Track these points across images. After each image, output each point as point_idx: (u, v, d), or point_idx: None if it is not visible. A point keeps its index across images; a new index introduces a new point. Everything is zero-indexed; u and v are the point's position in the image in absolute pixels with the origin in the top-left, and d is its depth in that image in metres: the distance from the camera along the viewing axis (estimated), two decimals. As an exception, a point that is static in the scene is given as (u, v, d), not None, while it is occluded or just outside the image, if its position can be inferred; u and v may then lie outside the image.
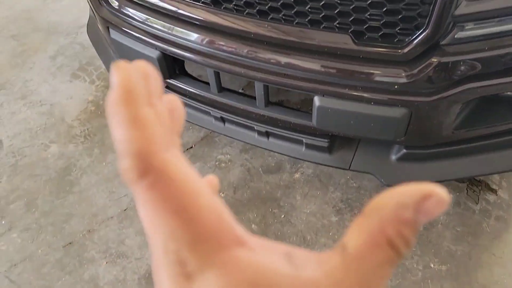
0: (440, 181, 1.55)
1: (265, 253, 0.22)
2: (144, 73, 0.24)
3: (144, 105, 0.21)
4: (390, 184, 1.44)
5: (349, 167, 1.45)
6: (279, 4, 1.15)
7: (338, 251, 0.22)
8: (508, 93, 1.26)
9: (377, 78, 1.17)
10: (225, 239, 0.21)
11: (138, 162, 0.20)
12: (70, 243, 1.62)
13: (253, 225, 1.62)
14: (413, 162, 1.42)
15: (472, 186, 1.68)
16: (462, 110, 1.27)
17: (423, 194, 0.21)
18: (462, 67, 1.10)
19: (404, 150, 1.39)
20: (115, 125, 0.21)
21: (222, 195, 1.72)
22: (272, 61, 1.25)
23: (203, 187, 0.22)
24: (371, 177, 1.72)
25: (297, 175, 1.78)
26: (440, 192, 0.21)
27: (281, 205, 1.68)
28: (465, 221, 1.58)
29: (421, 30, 1.06)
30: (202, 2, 1.28)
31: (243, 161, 1.85)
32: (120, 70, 0.21)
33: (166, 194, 0.21)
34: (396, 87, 1.17)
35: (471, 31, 1.07)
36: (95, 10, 1.59)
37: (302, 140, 1.47)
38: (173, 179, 0.21)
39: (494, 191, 1.66)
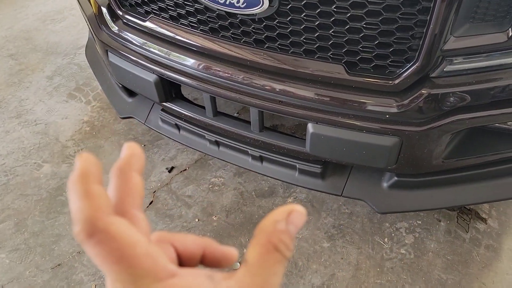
0: (431, 209, 1.57)
1: (193, 278, 0.30)
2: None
3: (94, 183, 0.28)
4: (382, 211, 1.45)
5: (341, 194, 1.47)
6: (275, 34, 1.19)
7: (243, 264, 0.30)
8: (497, 124, 1.30)
9: (369, 108, 1.20)
10: (159, 274, 0.28)
11: (86, 226, 0.27)
12: (59, 265, 1.60)
13: (244, 250, 1.62)
14: (405, 190, 1.44)
15: (462, 214, 1.70)
16: (452, 140, 1.30)
17: (289, 211, 0.32)
18: (451, 99, 1.14)
19: (396, 178, 1.41)
20: (72, 198, 0.28)
21: (215, 218, 1.72)
22: (267, 88, 1.28)
23: (140, 239, 0.29)
24: (363, 203, 1.74)
25: (290, 200, 1.79)
26: (299, 209, 0.33)
27: (273, 230, 1.68)
28: (456, 250, 1.59)
29: (411, 63, 1.10)
30: (200, 30, 1.31)
31: (236, 184, 1.86)
32: (82, 158, 0.29)
33: (109, 249, 0.27)
34: (387, 116, 1.20)
35: (459, 65, 1.11)
36: (95, 34, 1.62)
37: (296, 166, 1.49)
38: (114, 237, 0.27)
39: (484, 220, 1.68)
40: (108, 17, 1.53)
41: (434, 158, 1.29)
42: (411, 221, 1.69)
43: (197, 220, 1.72)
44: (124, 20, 1.48)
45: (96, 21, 1.60)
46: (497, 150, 1.33)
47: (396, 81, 1.13)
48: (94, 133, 2.15)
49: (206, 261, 0.36)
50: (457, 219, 1.69)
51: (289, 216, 0.32)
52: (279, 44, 1.22)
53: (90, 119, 2.24)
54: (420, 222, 1.68)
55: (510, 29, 1.02)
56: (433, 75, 1.13)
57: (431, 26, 1.00)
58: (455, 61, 1.11)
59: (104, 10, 1.54)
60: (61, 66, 2.64)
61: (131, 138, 2.11)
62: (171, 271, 0.29)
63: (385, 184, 1.45)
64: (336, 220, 1.71)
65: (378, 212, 1.45)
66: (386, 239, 1.63)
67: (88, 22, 1.67)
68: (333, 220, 1.71)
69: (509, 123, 1.33)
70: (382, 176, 1.46)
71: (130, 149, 0.34)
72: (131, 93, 1.81)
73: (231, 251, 0.37)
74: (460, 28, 1.03)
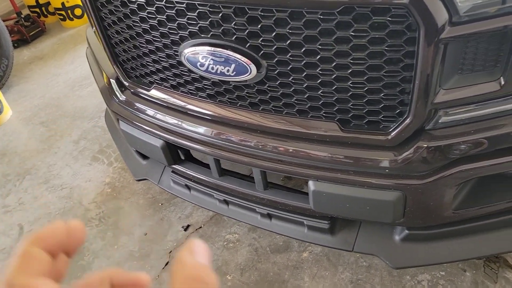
0: (448, 262, 1.48)
1: None
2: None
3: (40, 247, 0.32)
4: (396, 266, 1.39)
5: (353, 249, 1.42)
6: (267, 97, 1.22)
7: None
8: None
9: (367, 163, 1.18)
10: None
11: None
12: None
13: (260, 311, 1.58)
14: (418, 243, 1.38)
15: (490, 263, 1.59)
16: (461, 190, 1.25)
17: (189, 248, 0.34)
18: (450, 150, 1.11)
19: (407, 231, 1.36)
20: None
21: (229, 277, 1.70)
22: (265, 148, 1.29)
23: None
24: (381, 256, 1.67)
25: (305, 254, 1.75)
26: (196, 241, 0.35)
27: (289, 287, 1.63)
28: (484, 303, 1.48)
29: (403, 117, 1.09)
30: (199, 96, 1.36)
31: (251, 240, 1.84)
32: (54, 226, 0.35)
33: None
34: (386, 171, 1.17)
35: (455, 115, 1.09)
36: (106, 103, 1.72)
37: (304, 222, 1.46)
38: None
39: (514, 269, 1.57)
40: (117, 88, 1.62)
41: (443, 210, 1.24)
42: (433, 272, 1.60)
43: (212, 280, 1.70)
44: (131, 90, 1.56)
45: (108, 92, 1.70)
46: (510, 197, 1.26)
47: (391, 136, 1.12)
48: (114, 194, 2.22)
49: None
50: (484, 268, 1.58)
51: (192, 251, 0.34)
52: (273, 106, 1.24)
53: (112, 180, 2.32)
54: (443, 273, 1.59)
55: (502, 77, 1.00)
56: (428, 127, 1.11)
57: (416, 82, 1.00)
58: (450, 112, 1.09)
59: (113, 81, 1.63)
60: (87, 130, 2.78)
61: (149, 198, 2.16)
62: None
63: (397, 238, 1.39)
64: (353, 275, 1.64)
65: (392, 268, 1.39)
66: (407, 294, 1.55)
67: (101, 93, 1.77)
68: (351, 274, 1.64)
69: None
70: (393, 229, 1.41)
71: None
72: (144, 156, 1.87)
73: (142, 276, 0.37)
74: (449, 81, 1.02)
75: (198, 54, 1.20)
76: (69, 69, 3.64)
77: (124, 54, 1.48)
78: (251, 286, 1.66)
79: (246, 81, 1.19)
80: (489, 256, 1.58)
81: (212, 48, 1.16)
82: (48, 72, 3.66)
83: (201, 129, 1.40)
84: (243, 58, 1.12)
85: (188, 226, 1.96)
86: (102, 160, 2.49)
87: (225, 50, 1.14)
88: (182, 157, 1.69)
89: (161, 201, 2.12)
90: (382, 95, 1.07)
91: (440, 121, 1.10)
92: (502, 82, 1.00)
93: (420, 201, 1.21)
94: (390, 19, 0.94)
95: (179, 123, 1.44)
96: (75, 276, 1.82)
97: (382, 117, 1.12)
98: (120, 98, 1.61)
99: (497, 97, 1.04)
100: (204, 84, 1.31)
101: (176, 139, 1.47)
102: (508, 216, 1.33)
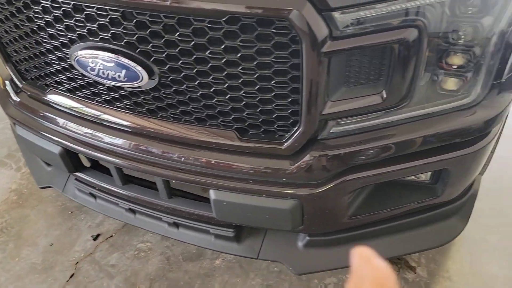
0: (348, 267, 1.53)
1: None
2: None
3: None
4: (298, 272, 1.41)
5: (258, 257, 1.42)
6: (164, 104, 1.18)
7: None
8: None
9: (265, 172, 1.18)
10: None
11: None
12: None
13: (167, 322, 1.54)
14: (320, 249, 1.41)
15: (392, 264, 1.67)
16: (356, 198, 1.29)
17: None
18: (342, 160, 1.13)
19: (308, 238, 1.38)
20: None
21: (138, 289, 1.64)
22: (166, 156, 1.26)
23: None
24: (292, 260, 1.69)
25: (218, 262, 1.73)
26: None
27: (199, 296, 1.61)
28: (384, 304, 1.54)
29: (296, 127, 1.10)
30: (96, 101, 1.30)
31: (164, 249, 1.79)
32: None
33: None
34: (283, 180, 1.18)
35: (345, 126, 1.12)
36: (2, 106, 1.59)
37: (209, 230, 1.44)
38: None
39: (413, 269, 1.65)
40: (11, 90, 1.50)
41: (340, 217, 1.27)
42: (340, 275, 1.65)
43: (118, 292, 1.64)
44: (27, 93, 1.46)
45: (3, 94, 1.57)
46: (404, 202, 1.32)
47: (285, 145, 1.12)
48: (21, 202, 2.07)
49: None
50: (387, 270, 1.65)
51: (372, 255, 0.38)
52: (170, 114, 1.21)
53: (19, 187, 2.16)
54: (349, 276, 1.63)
55: (384, 90, 1.04)
56: (320, 137, 1.13)
57: (304, 93, 1.01)
58: (341, 123, 1.12)
59: (7, 83, 1.51)
60: (-5, 132, 2.58)
61: (59, 205, 2.03)
62: None
63: (300, 244, 1.42)
64: (264, 281, 1.65)
65: (295, 274, 1.40)
66: (314, 298, 1.58)
67: (-4, 95, 1.64)
68: (261, 280, 1.65)
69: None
70: (297, 236, 1.43)
71: None
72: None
73: None
74: (336, 93, 1.04)
75: (88, 58, 1.13)
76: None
77: (16, 54, 1.38)
78: (160, 297, 1.61)
79: (140, 87, 1.14)
80: (387, 259, 1.65)
81: (102, 53, 1.10)
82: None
83: (100, 136, 1.33)
84: (133, 64, 1.08)
85: (98, 235, 1.87)
86: (10, 165, 2.31)
87: (115, 55, 1.09)
88: (88, 164, 1.61)
89: (71, 209, 2.01)
90: (274, 105, 1.08)
91: (331, 131, 1.12)
92: (385, 96, 1.04)
93: (317, 209, 1.23)
94: (274, 31, 0.94)
95: (77, 128, 1.36)
96: (-33, 293, 1.67)
97: (277, 126, 1.13)
98: (15, 101, 1.50)
99: (382, 109, 1.08)
100: (100, 89, 1.25)
101: (74, 145, 1.39)
102: (404, 220, 1.39)
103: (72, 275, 1.71)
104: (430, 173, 1.32)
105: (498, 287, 1.57)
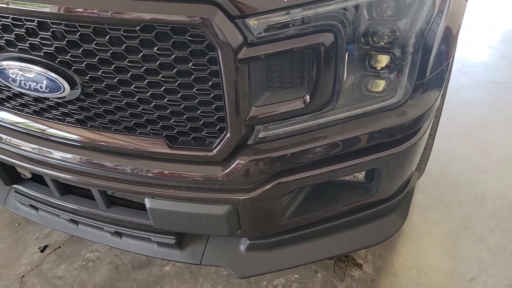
0: (290, 268, 1.55)
1: None
2: None
3: None
4: (241, 276, 1.41)
5: (200, 263, 1.42)
6: (91, 114, 1.16)
7: None
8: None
9: (197, 179, 1.18)
10: None
11: None
12: None
13: (113, 332, 1.51)
14: (261, 251, 1.41)
15: (339, 262, 1.69)
16: (291, 200, 1.30)
17: None
18: (271, 164, 1.14)
19: (248, 241, 1.39)
20: None
21: (84, 300, 1.61)
22: (99, 166, 1.24)
23: None
24: (241, 263, 1.69)
25: (167, 268, 1.72)
26: None
27: (147, 305, 1.59)
28: (330, 302, 1.56)
29: (223, 133, 1.10)
30: (25, 112, 1.26)
31: (112, 257, 1.76)
32: None
33: None
34: (216, 186, 1.18)
35: (272, 131, 1.12)
36: None
37: (151, 238, 1.43)
38: None
39: (359, 266, 1.68)
40: None
41: (276, 220, 1.28)
42: (288, 276, 1.66)
43: (65, 304, 1.60)
44: (-44, 105, 1.40)
45: None
46: (340, 202, 1.34)
47: (214, 152, 1.12)
48: (-35, 216, 2.00)
49: None
50: (334, 268, 1.68)
51: None
52: (99, 123, 1.19)
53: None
54: (297, 276, 1.65)
55: (307, 95, 1.05)
56: (250, 142, 1.13)
57: (226, 99, 1.01)
58: (269, 127, 1.12)
59: None
60: None
61: (6, 218, 1.98)
62: None
63: (242, 248, 1.42)
64: (213, 285, 1.65)
65: (238, 278, 1.41)
66: (262, 300, 1.59)
67: None
68: (211, 285, 1.65)
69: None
70: (239, 240, 1.43)
71: None
72: (-12, 174, 1.70)
73: None
74: (259, 98, 1.05)
75: (8, 69, 1.10)
76: None
77: None
78: (107, 307, 1.59)
79: (64, 97, 1.12)
80: (328, 259, 1.67)
81: (21, 63, 1.07)
82: None
83: (32, 147, 1.29)
84: (53, 74, 1.05)
85: (45, 246, 1.83)
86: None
87: (34, 66, 1.06)
88: (29, 176, 1.57)
89: (19, 221, 1.95)
90: (200, 112, 1.07)
91: (260, 135, 1.12)
92: (308, 100, 1.05)
93: (252, 213, 1.23)
94: (190, 38, 0.93)
95: (9, 140, 1.32)
96: None
97: (206, 133, 1.12)
98: None
99: (307, 113, 1.09)
100: (27, 100, 1.22)
101: (7, 158, 1.35)
102: (344, 219, 1.42)
103: (16, 290, 1.67)
104: (364, 172, 1.35)
105: (440, 280, 1.62)
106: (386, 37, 1.06)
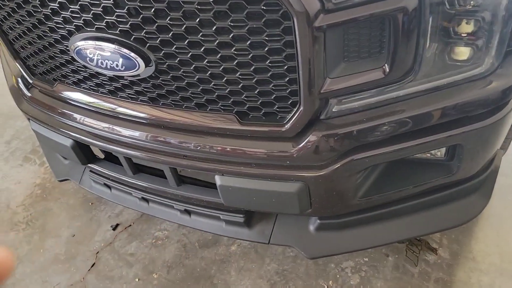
0: (362, 249, 1.49)
1: None
2: None
3: None
4: (311, 256, 1.39)
5: (269, 242, 1.41)
6: (164, 91, 1.17)
7: None
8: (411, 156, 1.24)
9: (268, 155, 1.16)
10: None
11: None
12: None
13: (184, 308, 1.55)
14: (332, 232, 1.37)
15: (412, 246, 1.62)
16: (365, 178, 1.25)
17: None
18: (344, 140, 1.09)
19: (318, 221, 1.35)
20: None
21: (155, 276, 1.67)
22: (170, 143, 1.25)
23: None
24: (308, 245, 1.66)
25: (233, 248, 1.73)
26: None
27: (215, 283, 1.61)
28: (404, 287, 1.50)
29: (296, 108, 1.06)
30: (100, 92, 1.30)
31: (180, 236, 1.81)
32: None
33: None
34: (287, 162, 1.15)
35: (347, 104, 1.07)
36: (16, 103, 1.63)
37: (220, 217, 1.44)
38: None
39: (434, 251, 1.59)
40: (23, 86, 1.53)
41: (349, 198, 1.24)
42: (357, 258, 1.61)
43: (137, 279, 1.66)
44: (37, 88, 1.48)
45: (16, 91, 1.61)
46: (418, 181, 1.27)
47: (286, 127, 1.09)
48: (44, 195, 2.13)
49: None
50: (406, 252, 1.60)
51: None
52: (171, 101, 1.20)
53: (42, 181, 2.23)
54: (367, 259, 1.60)
55: (386, 64, 0.99)
56: (323, 117, 1.09)
57: (300, 71, 0.97)
58: (343, 101, 1.08)
59: (19, 79, 1.55)
60: (20, 129, 2.66)
61: (80, 198, 2.09)
62: None
63: (311, 228, 1.39)
64: (280, 266, 1.64)
65: (307, 258, 1.38)
66: (330, 282, 1.55)
67: (10, 92, 1.68)
68: (277, 265, 1.64)
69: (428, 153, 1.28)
70: (309, 219, 1.40)
71: None
72: (66, 155, 1.80)
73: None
74: (335, 69, 1.00)
75: (86, 49, 1.14)
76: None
77: (23, 50, 1.40)
78: (177, 284, 1.63)
79: (138, 75, 1.14)
80: (402, 241, 1.60)
81: (98, 42, 1.10)
82: (-16, 69, 3.48)
83: (106, 126, 1.34)
84: (129, 52, 1.07)
85: (117, 225, 1.91)
86: (34, 160, 2.39)
87: (111, 44, 1.08)
88: (102, 156, 1.63)
89: (92, 201, 2.05)
90: (272, 86, 1.05)
91: (333, 109, 1.08)
92: (387, 70, 0.99)
93: (324, 191, 1.20)
94: (264, 8, 0.90)
95: (85, 120, 1.38)
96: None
97: (277, 108, 1.10)
98: (27, 97, 1.53)
99: (385, 84, 1.03)
100: (102, 80, 1.25)
101: (84, 137, 1.41)
102: (417, 201, 1.34)
103: (93, 265, 1.75)
104: (444, 149, 1.26)
105: (526, 267, 1.50)
106: (474, -1, 0.97)
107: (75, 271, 1.73)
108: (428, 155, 1.30)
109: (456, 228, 1.64)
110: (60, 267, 1.76)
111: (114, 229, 1.88)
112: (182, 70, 1.09)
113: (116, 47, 1.08)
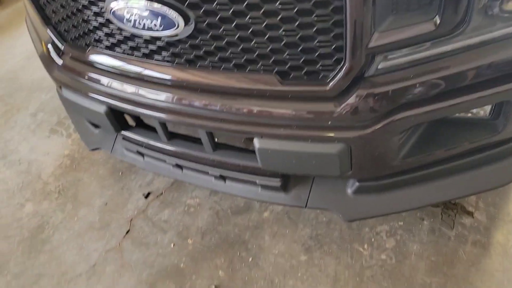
0: (400, 211, 1.48)
1: None
2: None
3: None
4: (349, 219, 1.38)
5: (306, 205, 1.40)
6: (202, 52, 1.15)
7: None
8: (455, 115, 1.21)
9: (309, 116, 1.14)
10: None
11: None
12: (39, 305, 1.60)
13: (220, 272, 1.57)
14: (370, 194, 1.36)
15: (447, 210, 1.60)
16: (407, 138, 1.22)
17: None
18: (391, 97, 1.06)
19: (357, 183, 1.34)
20: None
21: (190, 242, 1.69)
22: (207, 107, 1.24)
23: None
24: (341, 210, 1.66)
25: (266, 214, 1.74)
26: None
27: (249, 247, 1.63)
28: (440, 250, 1.49)
29: (341, 65, 1.03)
30: (135, 56, 1.29)
31: (212, 203, 1.82)
32: None
33: None
34: (329, 123, 1.13)
35: (393, 60, 1.04)
36: (47, 71, 1.62)
37: (256, 181, 1.43)
38: None
39: (470, 214, 1.58)
40: (54, 53, 1.52)
41: (391, 159, 1.22)
42: (392, 223, 1.60)
43: (172, 245, 1.69)
44: (68, 54, 1.47)
45: (46, 58, 1.60)
46: (461, 141, 1.24)
47: (330, 86, 1.07)
48: (74, 166, 2.16)
49: None
50: (442, 215, 1.59)
51: None
52: (209, 62, 1.18)
53: (71, 152, 2.25)
54: (401, 223, 1.59)
55: (437, 16, 0.95)
56: (368, 74, 1.06)
57: (348, 25, 0.94)
58: (389, 57, 1.04)
59: (49, 46, 1.53)
60: (44, 102, 2.68)
61: (109, 167, 2.10)
62: None
63: (349, 191, 1.38)
64: (313, 231, 1.64)
65: (345, 221, 1.38)
66: (365, 245, 1.55)
67: (41, 60, 1.67)
68: (310, 230, 1.64)
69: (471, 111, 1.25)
70: (346, 182, 1.39)
71: None
72: (96, 124, 1.80)
73: None
74: (383, 22, 0.96)
75: (123, 9, 1.11)
76: (25, 40, 3.46)
77: (54, 15, 1.38)
78: (212, 249, 1.65)
79: (176, 35, 1.11)
80: (441, 203, 1.58)
81: (137, 1, 1.07)
82: (3, 44, 3.48)
83: (142, 91, 1.32)
84: (168, 10, 1.05)
85: (148, 193, 1.92)
86: (61, 132, 2.41)
87: (149, 2, 1.06)
88: (134, 123, 1.63)
89: (122, 170, 2.07)
90: (316, 42, 1.01)
91: (379, 67, 1.05)
92: (438, 22, 0.95)
93: (366, 152, 1.18)
94: (312, -44, 0.87)
95: (120, 86, 1.37)
96: (35, 249, 1.79)
97: (320, 66, 1.07)
98: (58, 64, 1.52)
99: (435, 38, 0.99)
100: (137, 42, 1.23)
101: (118, 103, 1.40)
102: (458, 162, 1.31)
103: (127, 231, 1.78)
104: (489, 108, 1.22)
105: None
106: None
107: (111, 238, 1.76)
108: (471, 114, 1.27)
109: (492, 191, 1.61)
110: (95, 234, 1.79)
111: (146, 197, 1.90)
112: (222, 28, 1.06)
113: (156, 5, 1.05)
